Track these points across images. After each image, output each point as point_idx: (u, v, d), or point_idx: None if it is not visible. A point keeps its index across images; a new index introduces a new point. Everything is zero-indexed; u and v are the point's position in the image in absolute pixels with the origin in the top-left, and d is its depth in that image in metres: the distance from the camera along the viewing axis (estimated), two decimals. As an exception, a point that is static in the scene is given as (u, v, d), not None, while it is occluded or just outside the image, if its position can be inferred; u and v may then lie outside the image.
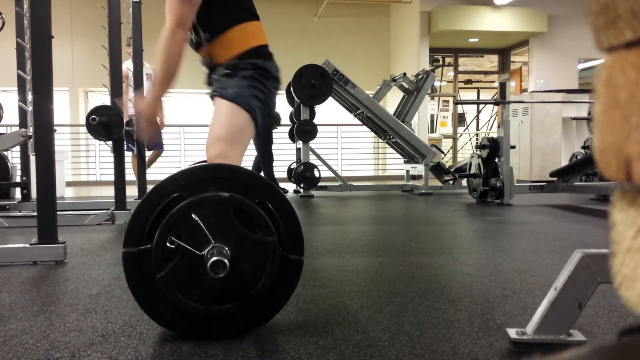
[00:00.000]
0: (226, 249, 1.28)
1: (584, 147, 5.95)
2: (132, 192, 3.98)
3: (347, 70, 5.87)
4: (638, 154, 0.27)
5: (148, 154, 5.12)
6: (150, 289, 1.31)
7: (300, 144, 6.04)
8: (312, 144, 6.01)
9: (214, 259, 1.23)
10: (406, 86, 6.47)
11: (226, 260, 1.24)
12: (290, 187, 6.46)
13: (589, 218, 3.94)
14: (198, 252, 1.27)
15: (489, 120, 12.22)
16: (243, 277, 1.31)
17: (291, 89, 5.81)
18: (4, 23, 4.24)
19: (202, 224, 1.28)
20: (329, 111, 8.49)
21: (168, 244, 1.30)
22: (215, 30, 1.73)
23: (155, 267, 1.28)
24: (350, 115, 6.40)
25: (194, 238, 1.28)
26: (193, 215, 1.28)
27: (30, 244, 2.33)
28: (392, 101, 8.64)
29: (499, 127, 5.15)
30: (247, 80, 1.71)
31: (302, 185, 5.86)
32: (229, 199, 1.30)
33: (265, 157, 5.73)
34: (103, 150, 8.58)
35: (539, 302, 1.31)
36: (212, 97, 1.75)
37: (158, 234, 1.28)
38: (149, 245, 1.29)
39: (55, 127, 2.45)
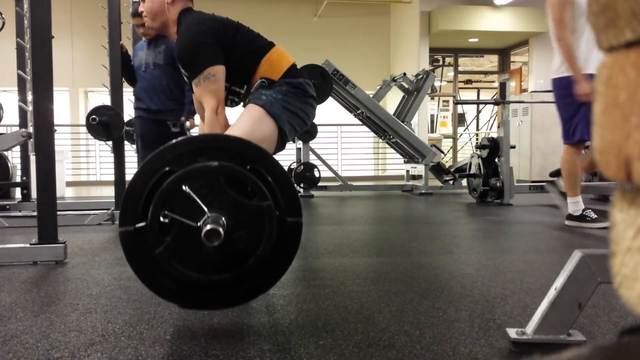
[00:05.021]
0: (222, 218, 1.28)
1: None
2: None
3: (347, 70, 5.87)
4: (638, 154, 0.27)
5: None
6: (151, 265, 1.30)
7: (300, 144, 6.05)
8: (312, 144, 6.01)
9: (207, 227, 1.23)
10: (406, 86, 6.47)
11: (220, 229, 1.23)
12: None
13: (589, 218, 3.93)
14: (194, 224, 1.27)
15: (489, 120, 12.22)
16: (242, 244, 1.30)
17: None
18: (4, 23, 4.24)
19: (194, 195, 1.27)
20: (329, 111, 8.50)
21: (165, 219, 1.30)
22: (248, 78, 1.84)
23: (153, 242, 1.28)
24: (350, 115, 6.40)
25: (188, 210, 1.28)
26: (184, 188, 1.27)
27: (30, 244, 2.33)
28: (392, 101, 8.64)
29: (499, 127, 5.15)
30: (281, 94, 1.79)
31: (302, 185, 5.87)
32: (219, 168, 1.29)
33: None
34: (103, 150, 8.58)
35: (539, 302, 1.31)
36: (245, 106, 1.82)
37: (152, 210, 1.27)
38: (145, 223, 1.29)
39: (55, 127, 2.45)
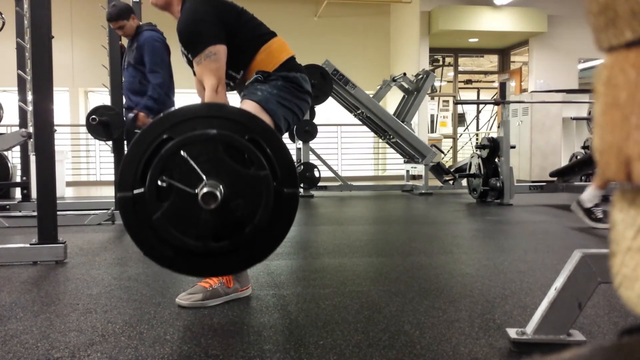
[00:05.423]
0: (220, 185, 1.28)
1: (584, 147, 5.95)
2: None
3: (347, 70, 5.87)
4: (638, 154, 0.27)
5: None
6: (149, 231, 1.31)
7: (300, 144, 6.05)
8: (312, 144, 6.01)
9: (204, 190, 1.24)
10: (406, 86, 6.47)
11: (217, 192, 1.24)
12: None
13: (589, 218, 3.93)
14: (191, 191, 1.28)
15: (489, 120, 12.22)
16: (239, 212, 1.31)
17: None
18: (4, 23, 4.24)
19: (192, 162, 1.27)
20: (329, 111, 8.49)
21: (163, 184, 1.30)
22: (245, 64, 1.84)
23: (151, 208, 1.28)
24: (350, 115, 6.40)
25: (186, 177, 1.28)
26: (182, 153, 1.28)
27: (31, 244, 2.33)
28: (392, 101, 8.63)
29: (499, 127, 5.15)
30: (277, 89, 1.79)
31: (302, 185, 5.86)
32: (218, 136, 1.30)
33: None
34: (103, 150, 8.57)
35: (539, 302, 1.31)
36: (241, 101, 1.80)
37: (150, 176, 1.28)
38: (143, 189, 1.29)
39: (55, 127, 2.45)
